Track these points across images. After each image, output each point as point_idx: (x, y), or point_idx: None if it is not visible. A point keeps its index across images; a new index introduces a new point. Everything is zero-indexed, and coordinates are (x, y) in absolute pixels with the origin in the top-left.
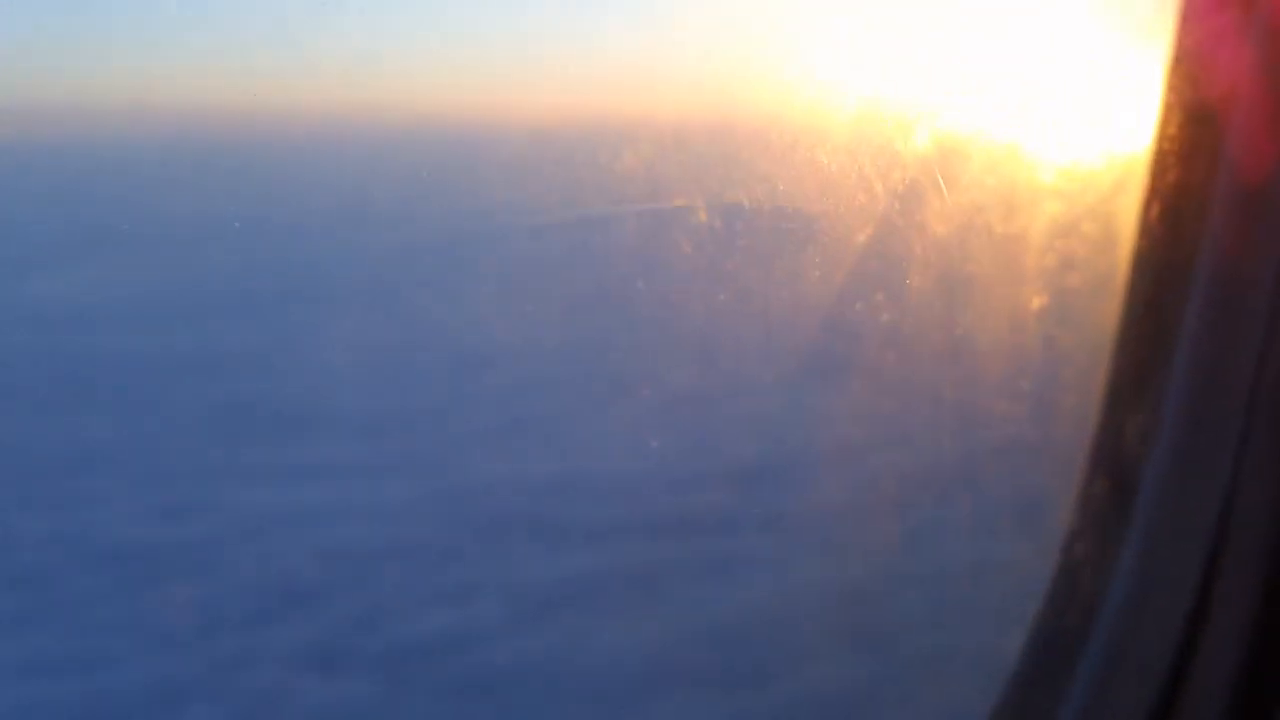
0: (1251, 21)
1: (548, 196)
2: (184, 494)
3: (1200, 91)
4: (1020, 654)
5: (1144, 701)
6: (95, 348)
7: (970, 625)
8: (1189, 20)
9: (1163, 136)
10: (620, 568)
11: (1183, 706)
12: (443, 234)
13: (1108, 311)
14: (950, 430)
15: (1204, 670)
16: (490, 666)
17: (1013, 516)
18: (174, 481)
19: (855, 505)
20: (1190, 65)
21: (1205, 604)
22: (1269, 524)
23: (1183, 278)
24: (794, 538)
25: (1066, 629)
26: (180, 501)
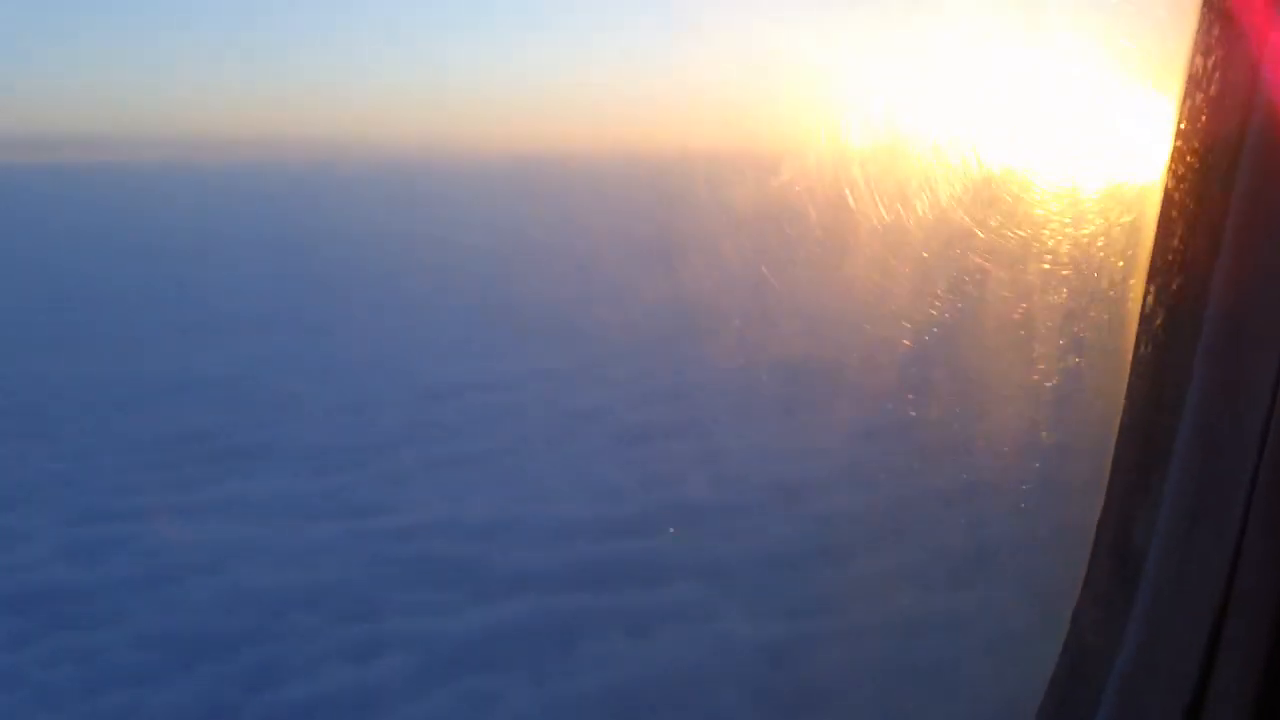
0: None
1: (531, 225)
2: (106, 532)
3: (1214, 124)
4: None
5: None
6: (49, 374)
7: (896, 688)
8: (1204, 47)
9: (1173, 178)
10: (538, 621)
11: None
12: (438, 259)
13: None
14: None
15: None
16: None
17: (951, 570)
18: (100, 519)
19: (799, 553)
20: (1204, 95)
21: (1206, 682)
22: (1268, 606)
23: (1185, 363)
24: (726, 588)
25: (1073, 701)
26: (101, 540)
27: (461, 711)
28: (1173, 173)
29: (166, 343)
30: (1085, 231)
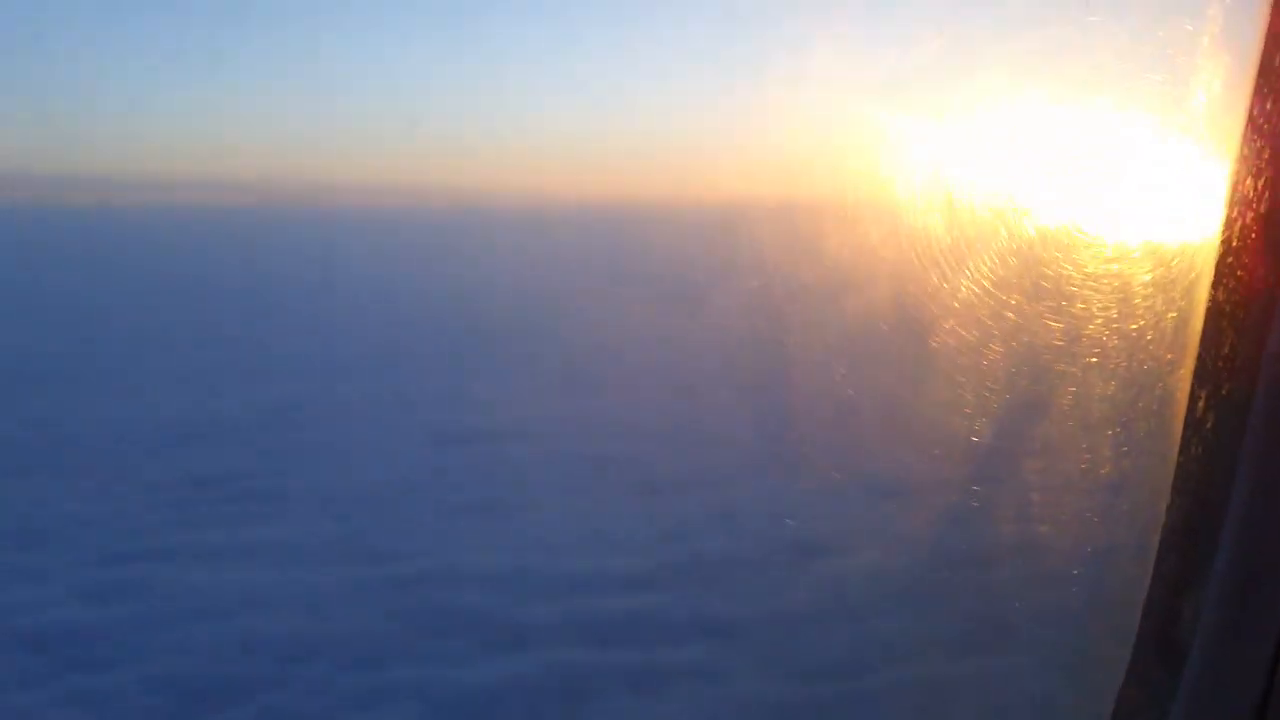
0: None
1: (566, 272)
2: (121, 574)
3: (1259, 238)
4: None
5: None
6: (71, 414)
7: None
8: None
9: (1222, 288)
10: (546, 675)
11: None
12: (464, 304)
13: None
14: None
15: None
16: None
17: (970, 639)
18: (116, 561)
19: (817, 613)
20: (1252, 213)
21: None
22: None
23: (1234, 445)
24: (739, 647)
25: None
26: (116, 582)
27: None
28: (1220, 283)
29: (189, 385)
30: (1134, 326)
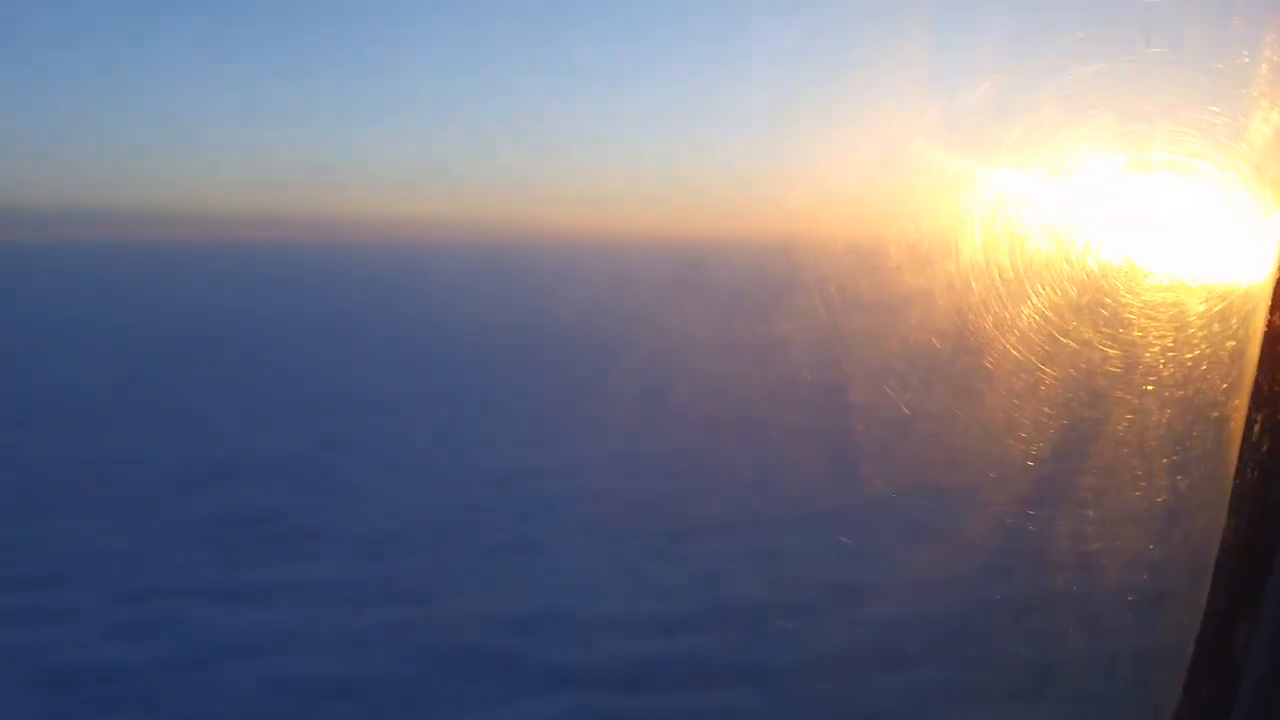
0: None
1: (617, 310)
2: (153, 612)
3: None
4: None
5: None
6: (110, 451)
7: None
8: None
9: (1277, 313)
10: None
11: None
12: (511, 342)
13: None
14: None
15: None
16: None
17: (1019, 685)
18: (148, 599)
19: (853, 661)
20: None
21: None
22: None
23: None
24: (774, 695)
25: None
26: (147, 620)
27: None
28: (1278, 310)
29: (230, 423)
30: (1190, 355)
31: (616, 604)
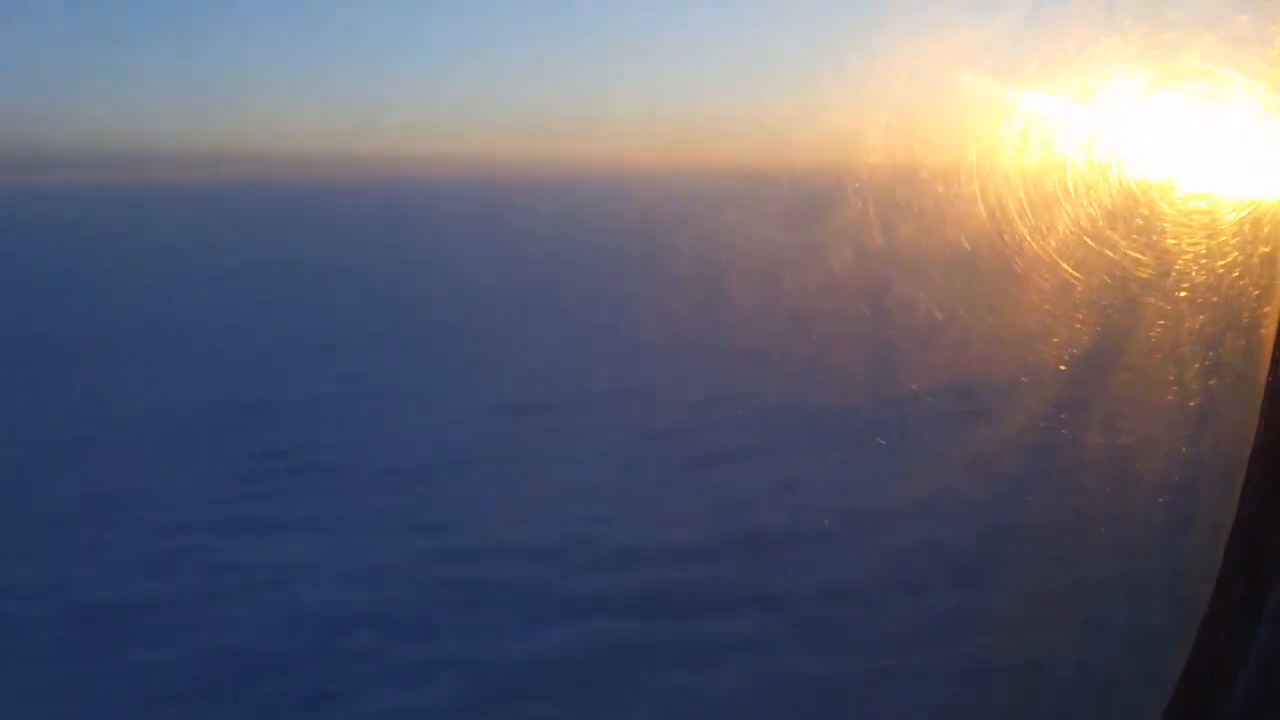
0: None
1: (626, 240)
2: (179, 547)
3: None
4: None
5: None
6: (134, 392)
7: None
8: None
9: None
10: (595, 649)
11: None
12: (524, 276)
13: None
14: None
15: None
16: None
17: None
18: (172, 534)
19: (873, 586)
20: None
21: None
22: None
23: None
24: (791, 621)
25: (1199, 706)
26: (173, 555)
27: None
28: None
29: (250, 362)
30: (1223, 261)
31: (633, 533)
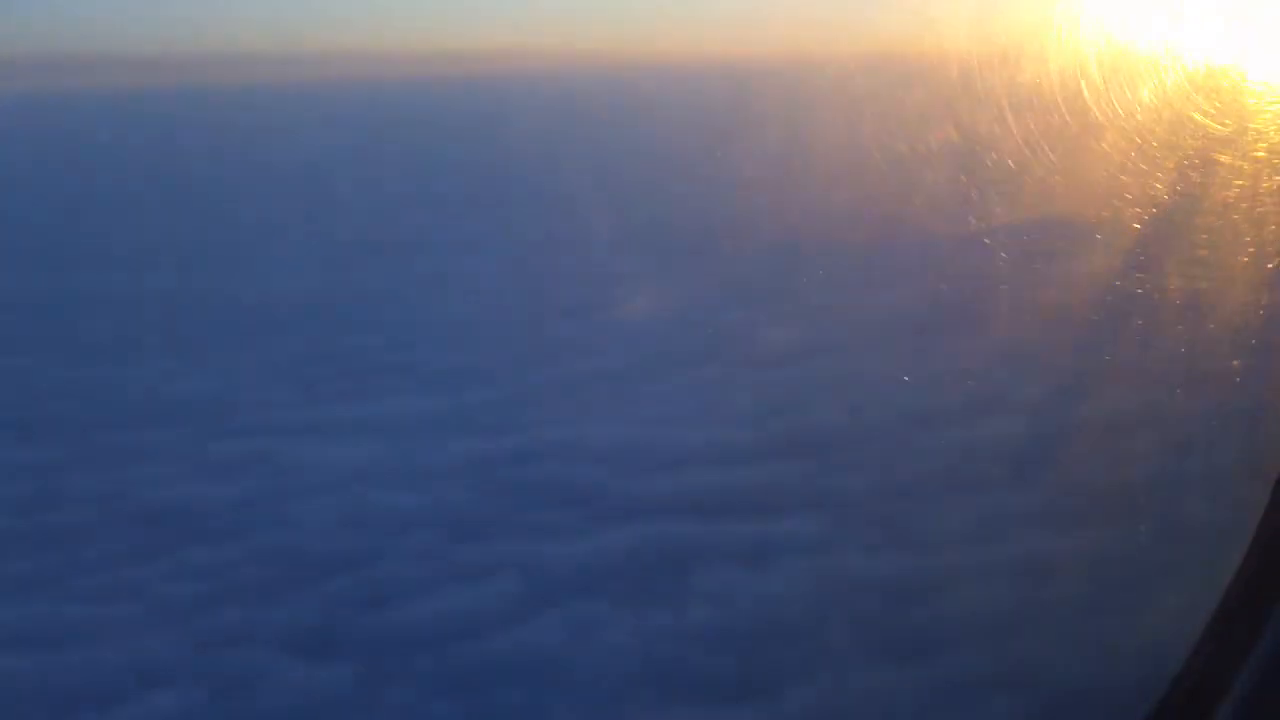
0: None
1: (690, 138)
2: (240, 449)
3: None
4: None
5: None
6: (195, 294)
7: (1018, 640)
8: None
9: None
10: (652, 548)
11: None
12: (588, 176)
13: None
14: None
15: None
16: (481, 660)
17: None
18: (232, 437)
19: (925, 486)
20: None
21: None
22: None
23: None
24: (845, 521)
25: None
26: (234, 457)
27: (565, 641)
28: None
29: (313, 263)
30: None
31: (692, 433)
